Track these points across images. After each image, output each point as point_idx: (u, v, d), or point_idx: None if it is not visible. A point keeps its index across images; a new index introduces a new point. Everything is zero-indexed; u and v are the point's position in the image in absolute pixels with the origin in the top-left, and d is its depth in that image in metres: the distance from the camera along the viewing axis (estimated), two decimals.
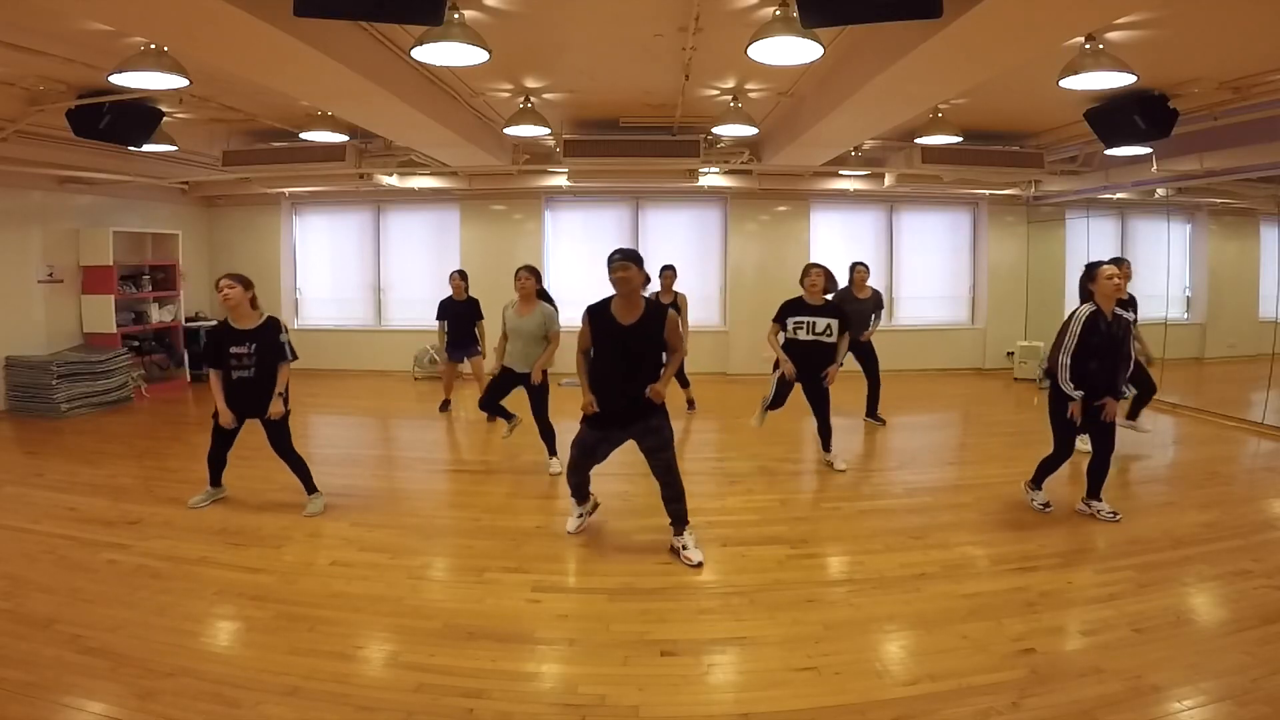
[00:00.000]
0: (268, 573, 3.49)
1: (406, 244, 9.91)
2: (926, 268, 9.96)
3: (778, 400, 5.26)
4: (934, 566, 3.57)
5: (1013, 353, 9.35)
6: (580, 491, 3.97)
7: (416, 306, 9.54)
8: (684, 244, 9.69)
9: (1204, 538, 3.87)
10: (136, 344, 8.18)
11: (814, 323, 4.95)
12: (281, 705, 2.45)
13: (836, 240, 9.76)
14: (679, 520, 3.72)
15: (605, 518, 4.19)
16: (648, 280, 3.70)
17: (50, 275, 7.52)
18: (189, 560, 3.63)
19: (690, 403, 7.20)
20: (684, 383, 7.20)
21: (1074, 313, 4.02)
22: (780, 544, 3.87)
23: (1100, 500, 4.19)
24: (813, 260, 5.22)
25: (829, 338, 4.96)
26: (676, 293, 6.90)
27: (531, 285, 5.01)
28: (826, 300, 5.05)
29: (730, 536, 3.95)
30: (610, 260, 3.56)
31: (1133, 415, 5.70)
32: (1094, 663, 2.67)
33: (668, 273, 6.89)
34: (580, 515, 4.02)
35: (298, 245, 10.03)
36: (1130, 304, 5.36)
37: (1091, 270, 4.05)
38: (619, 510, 4.35)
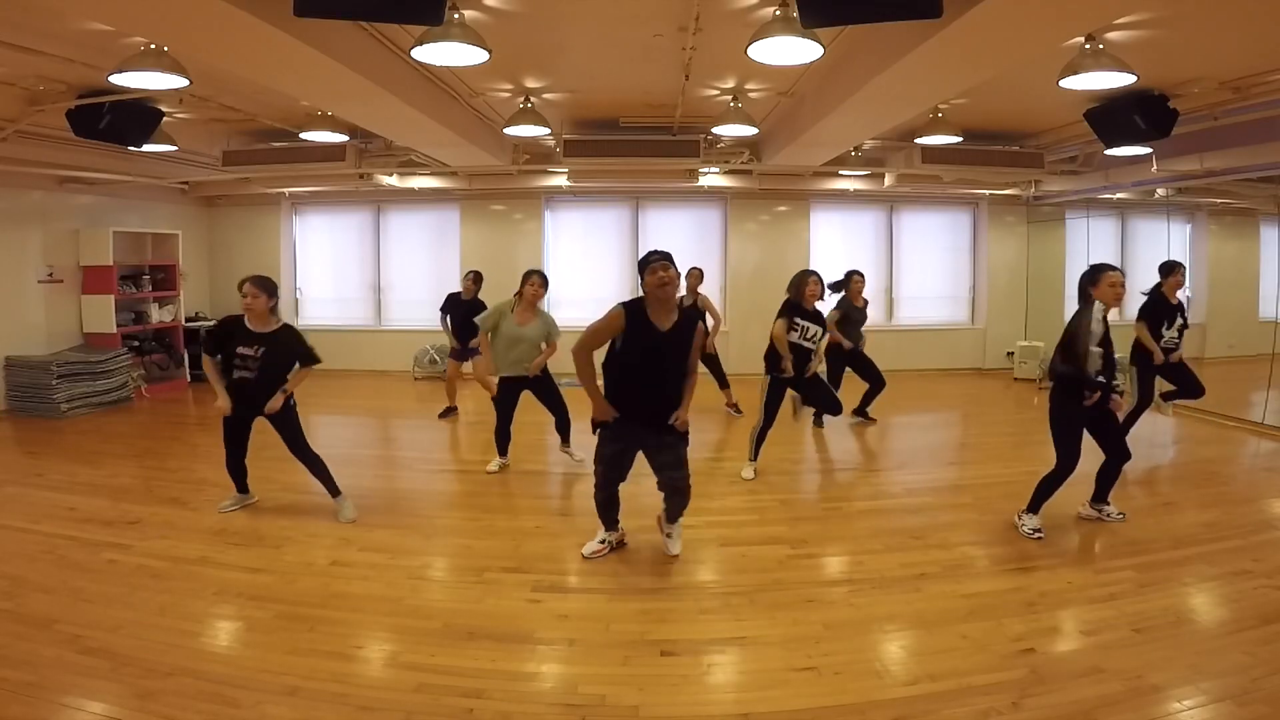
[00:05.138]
0: (268, 573, 3.49)
1: (406, 244, 9.91)
2: (926, 268, 9.95)
3: (770, 419, 5.02)
4: (934, 566, 3.57)
5: (1013, 353, 9.35)
6: (608, 514, 3.70)
7: (417, 307, 9.54)
8: (684, 244, 9.64)
9: (1204, 538, 3.87)
10: (136, 344, 8.18)
11: (807, 327, 4.93)
12: (281, 705, 2.45)
13: (836, 240, 9.77)
14: (674, 517, 3.70)
15: None
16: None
17: (50, 275, 7.52)
18: (189, 560, 3.63)
19: (734, 407, 6.86)
20: (723, 383, 6.89)
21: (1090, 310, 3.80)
22: (780, 544, 3.87)
23: (1108, 503, 4.15)
24: (809, 268, 5.20)
25: (812, 344, 4.96)
26: (699, 294, 6.59)
27: (542, 295, 4.95)
28: (816, 308, 5.02)
29: (730, 536, 3.95)
30: (648, 261, 3.27)
31: (1166, 398, 5.62)
32: (1094, 663, 2.67)
33: (695, 272, 6.54)
34: (603, 541, 3.71)
35: (298, 245, 10.03)
36: (1180, 310, 5.40)
37: (1095, 274, 3.83)
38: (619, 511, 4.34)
